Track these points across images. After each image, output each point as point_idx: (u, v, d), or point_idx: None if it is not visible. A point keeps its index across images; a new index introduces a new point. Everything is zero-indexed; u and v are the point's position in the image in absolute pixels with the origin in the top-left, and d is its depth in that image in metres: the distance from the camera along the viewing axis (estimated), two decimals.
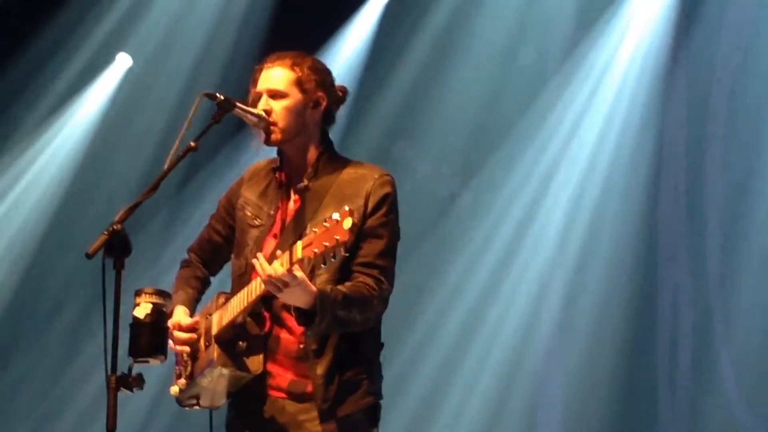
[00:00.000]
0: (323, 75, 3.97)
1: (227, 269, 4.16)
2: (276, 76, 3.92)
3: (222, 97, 3.83)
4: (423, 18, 8.37)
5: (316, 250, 3.42)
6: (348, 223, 3.38)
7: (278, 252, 3.64)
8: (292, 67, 3.92)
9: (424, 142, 8.39)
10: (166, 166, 3.69)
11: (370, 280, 3.76)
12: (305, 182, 3.90)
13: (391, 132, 8.36)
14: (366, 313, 3.75)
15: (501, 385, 7.92)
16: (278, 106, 3.89)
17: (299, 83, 3.90)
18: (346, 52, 8.55)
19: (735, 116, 7.71)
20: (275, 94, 3.90)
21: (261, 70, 3.97)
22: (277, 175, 3.98)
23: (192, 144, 3.72)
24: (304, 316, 3.67)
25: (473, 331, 8.06)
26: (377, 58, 8.48)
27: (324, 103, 3.94)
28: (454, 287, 8.13)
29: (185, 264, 4.21)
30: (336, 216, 3.41)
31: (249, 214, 3.98)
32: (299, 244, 3.48)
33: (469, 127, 8.26)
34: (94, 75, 8.77)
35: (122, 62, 8.75)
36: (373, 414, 3.86)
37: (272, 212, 3.94)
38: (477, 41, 8.29)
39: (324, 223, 3.44)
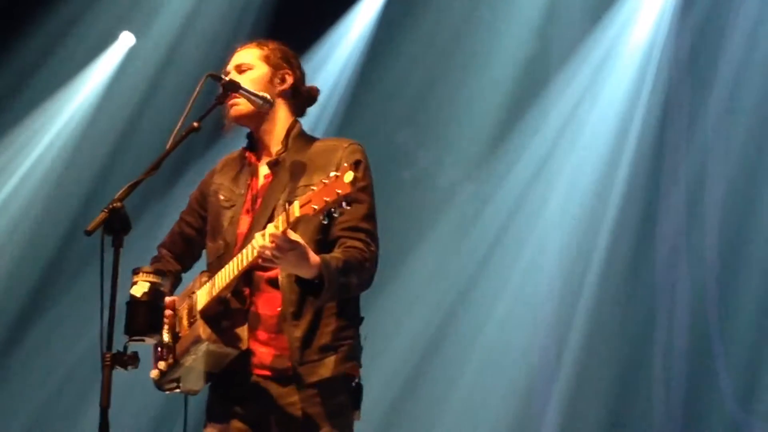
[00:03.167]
0: (288, 54, 4.06)
1: (198, 266, 4.14)
2: (245, 52, 4.03)
3: (227, 79, 3.87)
4: (427, 6, 8.35)
5: (315, 207, 3.38)
6: (349, 176, 3.34)
7: (272, 222, 3.59)
8: (258, 45, 4.04)
9: (426, 131, 8.38)
10: (168, 146, 3.70)
11: (359, 243, 3.76)
12: (276, 156, 3.93)
13: (394, 121, 8.34)
14: (362, 277, 3.75)
15: (496, 379, 7.92)
16: (244, 79, 3.94)
17: (265, 58, 4.00)
18: (349, 39, 8.54)
19: (738, 110, 7.71)
20: (241, 68, 3.98)
21: (231, 57, 4.06)
22: (247, 155, 4.01)
23: (195, 124, 3.74)
24: (305, 284, 3.66)
25: (469, 323, 8.06)
26: (381, 47, 8.46)
27: (290, 80, 4.00)
28: (453, 277, 8.12)
29: (156, 260, 4.16)
30: (334, 173, 3.39)
31: (222, 197, 3.98)
32: (296, 203, 3.44)
33: (472, 118, 8.24)
34: (97, 54, 8.74)
35: (125, 41, 8.72)
36: (355, 396, 3.84)
37: (242, 191, 3.95)
38: (482, 31, 8.28)
39: (323, 180, 3.40)
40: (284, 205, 3.60)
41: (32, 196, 8.64)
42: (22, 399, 8.40)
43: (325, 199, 3.36)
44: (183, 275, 4.18)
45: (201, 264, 4.12)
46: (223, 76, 3.86)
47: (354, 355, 3.84)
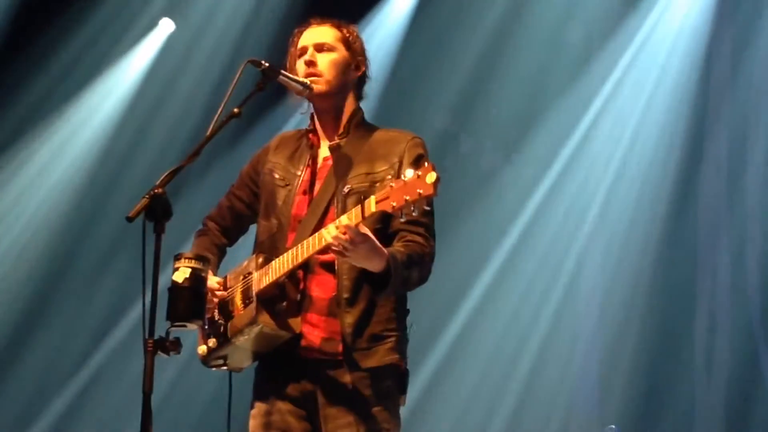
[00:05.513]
0: (363, 43, 4.08)
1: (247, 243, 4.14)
2: (324, 31, 4.01)
3: (267, 65, 3.83)
4: None
5: (394, 204, 3.41)
6: (432, 177, 3.39)
7: (333, 205, 3.69)
8: (339, 28, 4.03)
9: (468, 115, 8.37)
10: (208, 132, 3.69)
11: (419, 238, 3.78)
12: (337, 141, 3.94)
13: (434, 106, 8.33)
14: (422, 272, 3.78)
15: (538, 359, 7.93)
16: (325, 59, 3.95)
17: (346, 42, 4.00)
18: (390, 24, 8.53)
19: None
20: (323, 47, 3.97)
21: (302, 32, 4.03)
22: (309, 137, 4.01)
23: (235, 110, 3.71)
24: (371, 277, 3.67)
25: (510, 305, 8.06)
26: (422, 32, 8.46)
27: (363, 68, 4.03)
28: (493, 260, 8.12)
29: (202, 233, 4.17)
30: (411, 172, 3.42)
31: (277, 176, 3.99)
32: (372, 198, 3.48)
33: (513, 102, 8.23)
34: (137, 40, 8.77)
35: (165, 27, 8.74)
36: (401, 381, 3.86)
37: (299, 172, 3.95)
38: (524, 17, 8.25)
39: (402, 178, 3.43)
40: (343, 191, 3.71)
41: (76, 184, 8.69)
42: (61, 383, 8.49)
43: (405, 197, 3.39)
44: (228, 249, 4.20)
45: (248, 240, 4.13)
46: (263, 62, 3.82)
47: (401, 346, 3.86)
